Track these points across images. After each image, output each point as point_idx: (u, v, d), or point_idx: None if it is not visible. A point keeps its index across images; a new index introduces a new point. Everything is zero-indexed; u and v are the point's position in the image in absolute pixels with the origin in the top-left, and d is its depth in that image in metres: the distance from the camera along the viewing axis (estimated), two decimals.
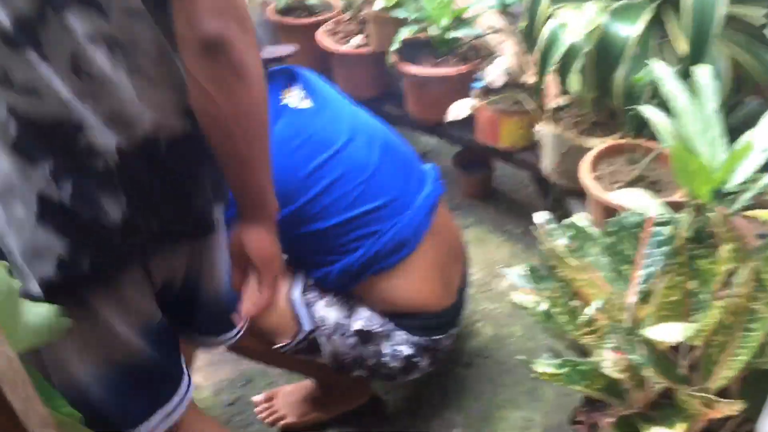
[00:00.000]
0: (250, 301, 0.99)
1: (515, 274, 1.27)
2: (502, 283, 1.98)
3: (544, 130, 1.80)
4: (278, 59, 1.43)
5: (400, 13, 2.04)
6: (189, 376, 1.09)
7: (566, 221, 1.28)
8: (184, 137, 0.91)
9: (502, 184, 2.37)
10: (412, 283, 1.37)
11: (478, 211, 2.29)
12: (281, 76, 1.37)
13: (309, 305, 1.39)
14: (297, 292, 1.39)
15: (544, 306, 1.21)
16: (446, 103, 2.07)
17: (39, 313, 0.64)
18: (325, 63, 2.37)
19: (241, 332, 1.21)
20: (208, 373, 1.78)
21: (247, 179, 0.93)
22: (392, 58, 2.09)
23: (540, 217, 1.29)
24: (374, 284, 1.36)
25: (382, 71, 2.25)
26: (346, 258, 1.33)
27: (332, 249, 1.34)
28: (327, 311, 1.38)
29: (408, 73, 2.09)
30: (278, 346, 1.40)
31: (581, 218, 1.28)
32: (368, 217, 1.32)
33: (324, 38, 2.31)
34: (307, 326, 1.38)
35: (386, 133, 1.44)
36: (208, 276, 1.05)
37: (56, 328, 0.66)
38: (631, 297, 1.09)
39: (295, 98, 1.33)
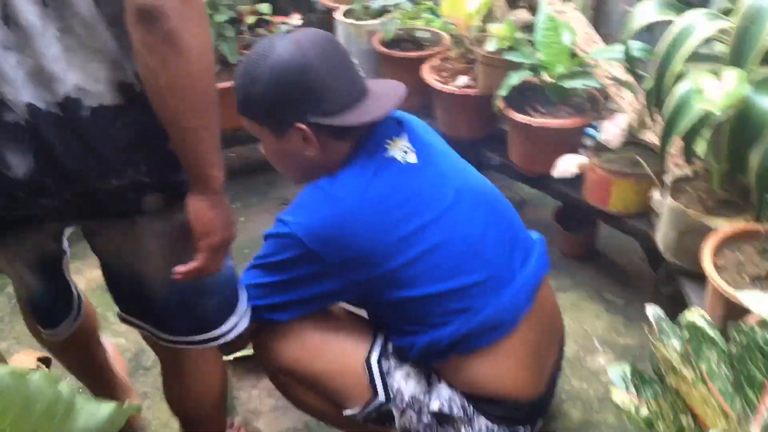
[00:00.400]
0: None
1: (616, 373, 1.14)
2: (597, 359, 1.84)
3: (663, 200, 1.64)
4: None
5: (513, 57, 1.94)
6: (79, 295, 1.34)
7: (682, 319, 1.14)
8: (114, 109, 0.93)
9: (606, 247, 2.22)
10: (502, 367, 1.25)
11: (576, 273, 2.14)
12: (389, 122, 1.29)
13: (386, 374, 1.30)
14: (375, 358, 1.30)
15: (646, 414, 1.08)
16: (553, 155, 1.96)
17: (97, 413, 0.61)
18: (426, 99, 2.30)
19: (228, 336, 1.20)
20: (270, 418, 1.72)
21: (188, 149, 0.95)
22: (499, 104, 1.99)
23: (652, 312, 1.16)
24: (460, 363, 1.26)
25: (486, 114, 2.14)
26: (435, 331, 1.23)
27: (421, 319, 1.24)
28: (404, 383, 1.29)
29: (514, 120, 1.98)
30: (348, 411, 1.32)
31: (699, 317, 1.14)
32: (465, 291, 1.22)
33: (428, 74, 2.24)
34: (381, 396, 1.29)
35: (493, 195, 1.34)
36: (146, 264, 1.08)
37: (116, 424, 0.63)
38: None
39: (400, 150, 1.24)
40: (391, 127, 1.27)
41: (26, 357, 1.79)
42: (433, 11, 2.63)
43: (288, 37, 1.21)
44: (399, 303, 1.23)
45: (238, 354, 1.74)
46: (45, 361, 1.83)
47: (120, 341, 1.98)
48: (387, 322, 1.32)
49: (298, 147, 1.23)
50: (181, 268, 1.03)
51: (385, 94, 1.27)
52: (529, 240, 1.36)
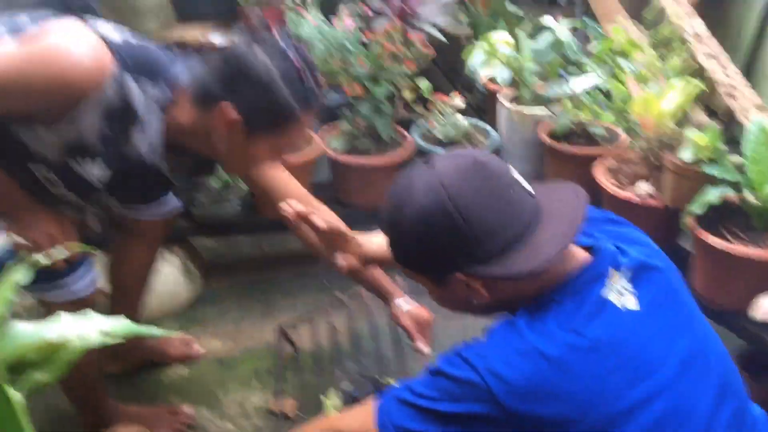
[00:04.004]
0: None
1: None
2: None
3: None
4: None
5: (713, 170, 1.73)
6: None
7: None
8: None
9: None
10: None
11: None
12: (611, 248, 1.09)
13: None
14: None
15: None
16: (750, 290, 1.72)
17: None
18: (595, 202, 2.10)
19: None
20: None
21: None
22: (689, 222, 1.77)
23: None
24: None
25: (667, 230, 1.93)
26: None
27: None
28: None
29: (707, 243, 1.75)
30: None
31: None
32: None
33: (602, 175, 2.05)
34: None
35: (724, 357, 1.11)
36: None
37: None
38: None
39: (619, 290, 1.04)
40: (612, 256, 1.07)
41: None
42: (606, 103, 2.46)
43: (427, 174, 1.04)
44: None
45: None
46: None
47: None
48: None
49: (464, 295, 1.07)
50: None
51: (562, 214, 1.05)
52: (754, 419, 1.12)
